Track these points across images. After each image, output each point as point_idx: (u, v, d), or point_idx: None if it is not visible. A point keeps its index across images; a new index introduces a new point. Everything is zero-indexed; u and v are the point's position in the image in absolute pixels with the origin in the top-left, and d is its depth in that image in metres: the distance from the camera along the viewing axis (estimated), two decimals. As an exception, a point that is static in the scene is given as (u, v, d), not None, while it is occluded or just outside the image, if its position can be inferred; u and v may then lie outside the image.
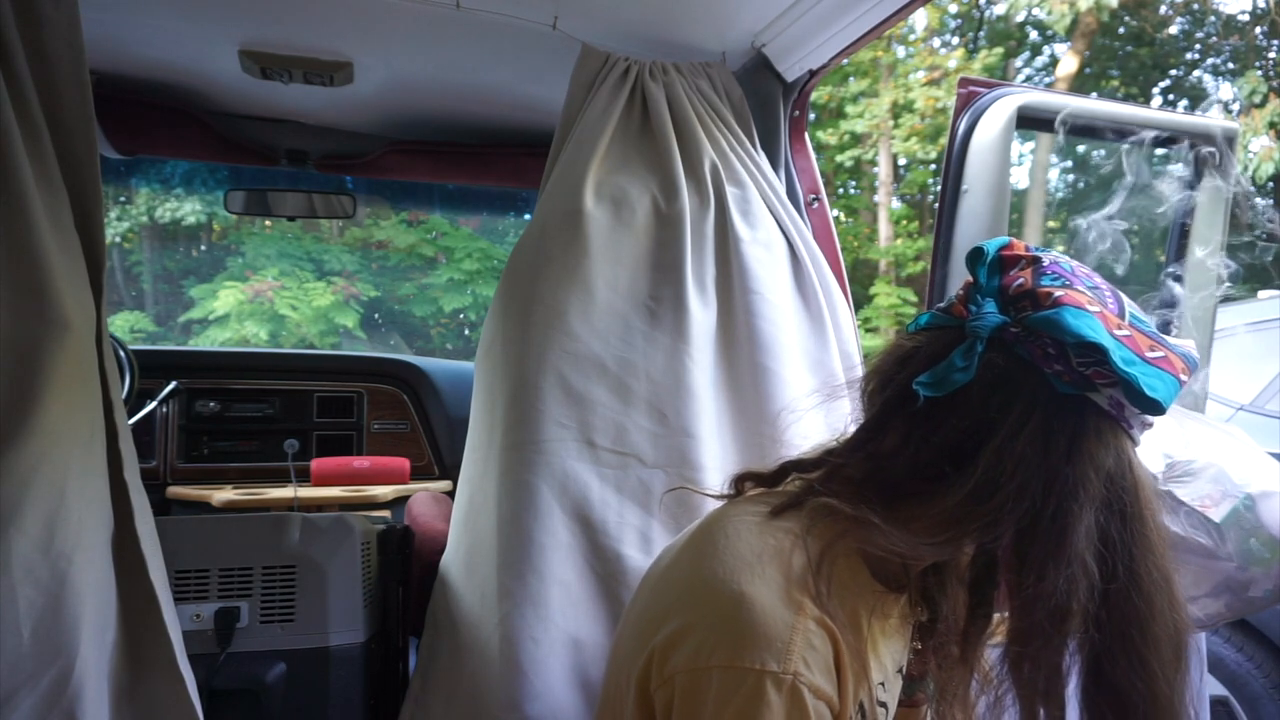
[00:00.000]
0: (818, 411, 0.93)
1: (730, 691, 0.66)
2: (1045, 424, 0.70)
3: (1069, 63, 9.37)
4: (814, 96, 1.61)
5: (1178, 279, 1.60)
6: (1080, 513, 0.68)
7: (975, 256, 0.78)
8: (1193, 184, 1.58)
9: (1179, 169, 1.56)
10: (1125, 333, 0.71)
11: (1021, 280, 0.75)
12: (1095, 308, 0.71)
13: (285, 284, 7.91)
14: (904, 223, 10.31)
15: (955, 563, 0.75)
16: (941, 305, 0.80)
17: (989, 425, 0.71)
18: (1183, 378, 0.72)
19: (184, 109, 1.93)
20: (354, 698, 1.18)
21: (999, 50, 9.75)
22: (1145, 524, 0.72)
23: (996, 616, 0.76)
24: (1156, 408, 0.69)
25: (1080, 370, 0.69)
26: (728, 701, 0.66)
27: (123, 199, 7.80)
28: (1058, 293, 0.72)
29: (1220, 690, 2.14)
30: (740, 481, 0.88)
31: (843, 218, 10.40)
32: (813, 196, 1.57)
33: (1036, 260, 0.76)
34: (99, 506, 0.89)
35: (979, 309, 0.75)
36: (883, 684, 0.80)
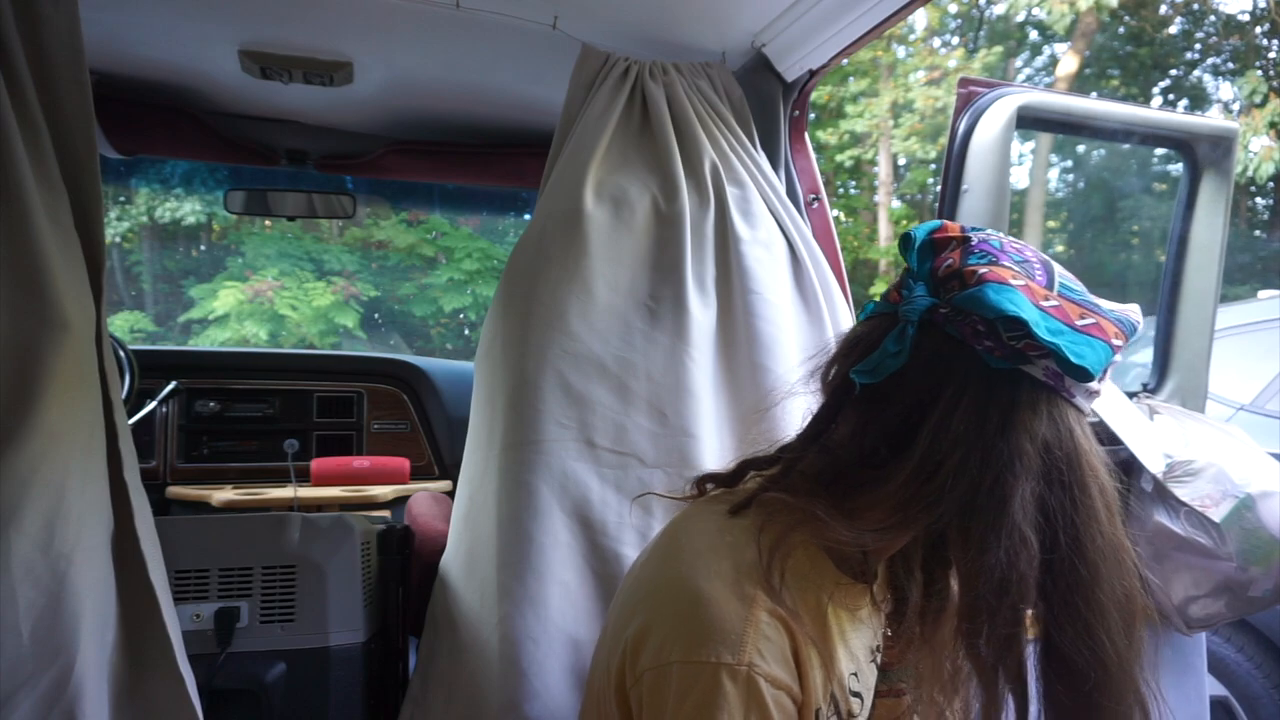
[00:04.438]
0: (805, 402, 0.93)
1: (689, 685, 0.67)
2: (978, 400, 0.70)
3: (1069, 63, 9.37)
4: (814, 96, 1.61)
5: (1178, 279, 1.60)
6: (1017, 484, 0.68)
7: (904, 242, 0.79)
8: (1192, 184, 1.58)
9: (1178, 169, 1.56)
10: (1053, 303, 0.72)
11: (950, 261, 0.75)
12: (1020, 281, 0.72)
13: (285, 284, 7.91)
14: (904, 223, 10.30)
15: (917, 547, 0.75)
16: (882, 293, 0.80)
17: (925, 407, 0.71)
18: (1115, 342, 0.72)
19: (184, 109, 1.93)
20: (354, 698, 1.18)
21: (999, 50, 9.75)
22: (1087, 492, 0.71)
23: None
24: (1085, 375, 0.69)
25: (1011, 344, 0.70)
26: (686, 695, 0.67)
27: (123, 199, 7.80)
28: (982, 270, 0.72)
29: (1220, 690, 2.13)
30: (701, 482, 0.89)
31: (843, 218, 10.39)
32: (813, 196, 1.57)
33: (966, 240, 0.77)
34: (99, 506, 0.89)
35: (910, 293, 0.76)
36: (855, 674, 0.80)
